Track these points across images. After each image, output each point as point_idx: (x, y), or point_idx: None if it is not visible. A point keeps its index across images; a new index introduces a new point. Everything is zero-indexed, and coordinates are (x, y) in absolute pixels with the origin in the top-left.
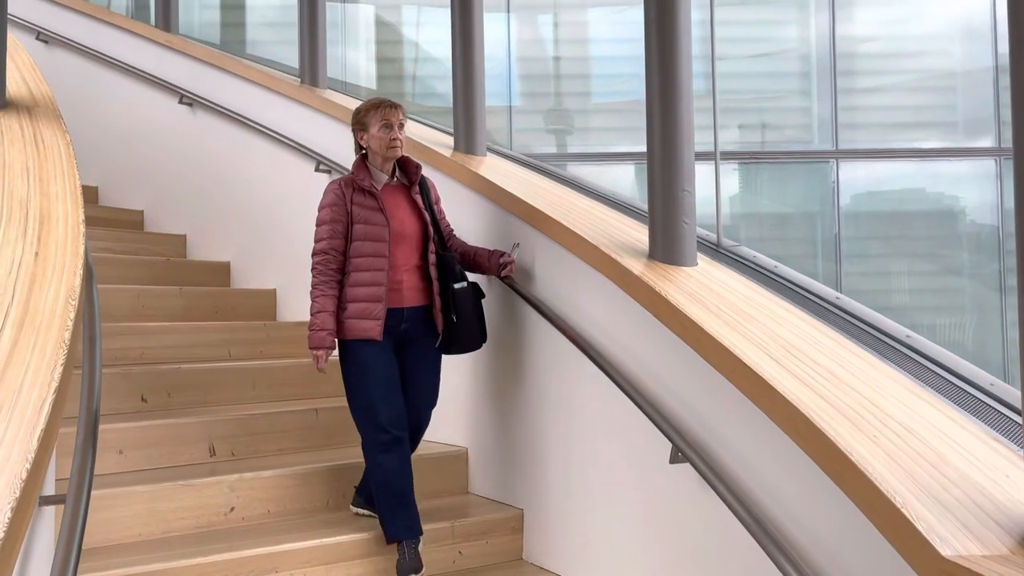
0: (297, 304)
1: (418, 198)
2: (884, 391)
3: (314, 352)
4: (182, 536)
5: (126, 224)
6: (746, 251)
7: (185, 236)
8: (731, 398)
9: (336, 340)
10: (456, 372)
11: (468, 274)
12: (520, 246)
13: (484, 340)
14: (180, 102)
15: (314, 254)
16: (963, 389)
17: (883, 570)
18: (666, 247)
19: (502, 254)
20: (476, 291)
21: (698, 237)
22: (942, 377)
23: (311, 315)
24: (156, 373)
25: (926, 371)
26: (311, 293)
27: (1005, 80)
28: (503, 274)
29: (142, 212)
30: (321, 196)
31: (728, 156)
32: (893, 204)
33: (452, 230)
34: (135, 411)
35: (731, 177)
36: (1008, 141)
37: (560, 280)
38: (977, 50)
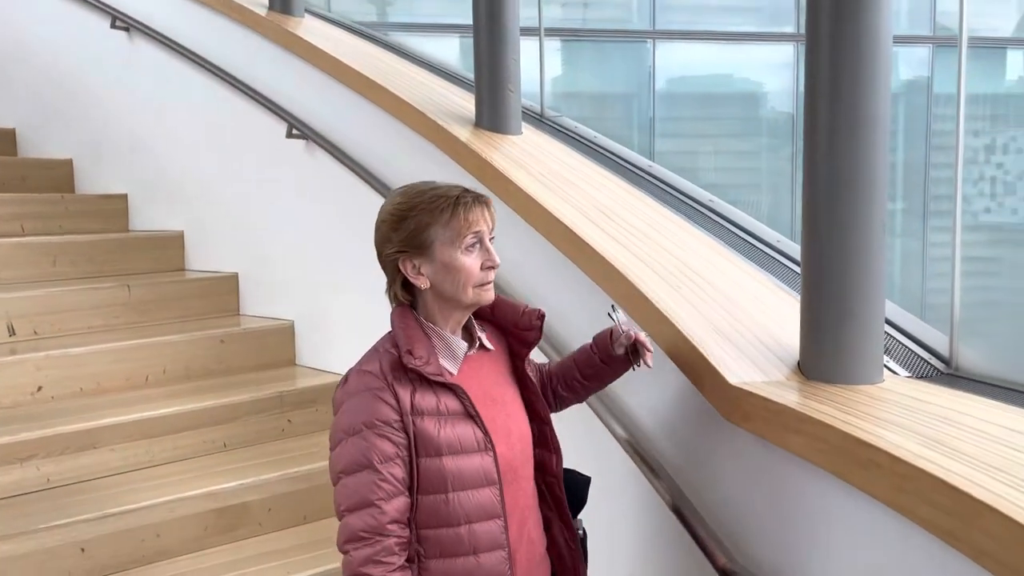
0: (98, 176)
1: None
2: (689, 249)
3: None
4: None
5: None
6: (568, 121)
7: None
8: (554, 259)
9: None
10: (281, 245)
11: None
12: (619, 310)
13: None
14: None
15: (349, 540)
16: (755, 246)
17: (686, 404)
18: (492, 115)
19: (608, 334)
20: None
21: (523, 107)
22: (738, 236)
23: None
24: None
25: (726, 231)
26: None
27: None
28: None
29: None
30: (343, 408)
31: (551, 32)
32: (704, 87)
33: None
34: None
35: (554, 57)
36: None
37: (385, 147)
38: None
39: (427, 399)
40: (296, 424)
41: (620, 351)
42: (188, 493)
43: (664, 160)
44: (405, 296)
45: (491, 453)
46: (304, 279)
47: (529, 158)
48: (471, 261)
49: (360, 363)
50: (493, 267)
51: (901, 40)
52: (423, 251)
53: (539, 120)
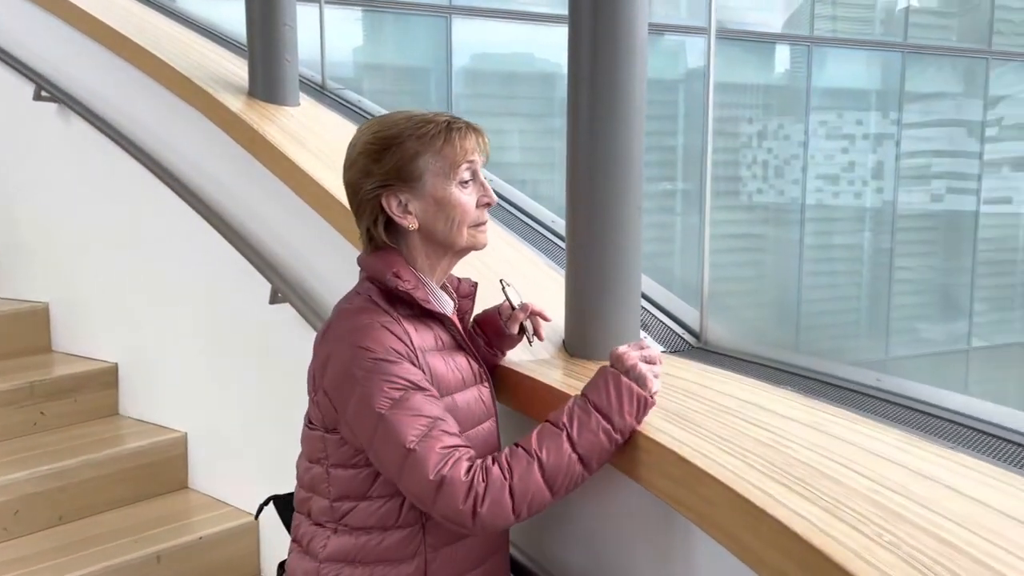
0: None
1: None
2: None
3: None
4: None
5: None
6: (351, 95)
7: None
8: (332, 239)
9: None
10: (30, 217)
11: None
12: (511, 285)
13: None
14: None
15: (436, 464)
16: (531, 226)
17: None
18: (267, 85)
19: (496, 313)
20: None
21: (302, 78)
22: (516, 216)
23: (567, 465)
24: None
25: (503, 211)
26: (513, 493)
27: None
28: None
29: None
30: (351, 344)
31: (340, 1)
32: (506, 65)
33: None
34: None
35: (355, 27)
36: None
37: (150, 116)
38: None
39: (424, 335)
40: (49, 417)
41: (515, 329)
42: None
43: None
44: (390, 239)
45: (487, 384)
46: (56, 256)
47: (307, 132)
48: (467, 197)
49: (347, 300)
50: (490, 204)
51: (681, 30)
52: (411, 184)
53: (320, 92)
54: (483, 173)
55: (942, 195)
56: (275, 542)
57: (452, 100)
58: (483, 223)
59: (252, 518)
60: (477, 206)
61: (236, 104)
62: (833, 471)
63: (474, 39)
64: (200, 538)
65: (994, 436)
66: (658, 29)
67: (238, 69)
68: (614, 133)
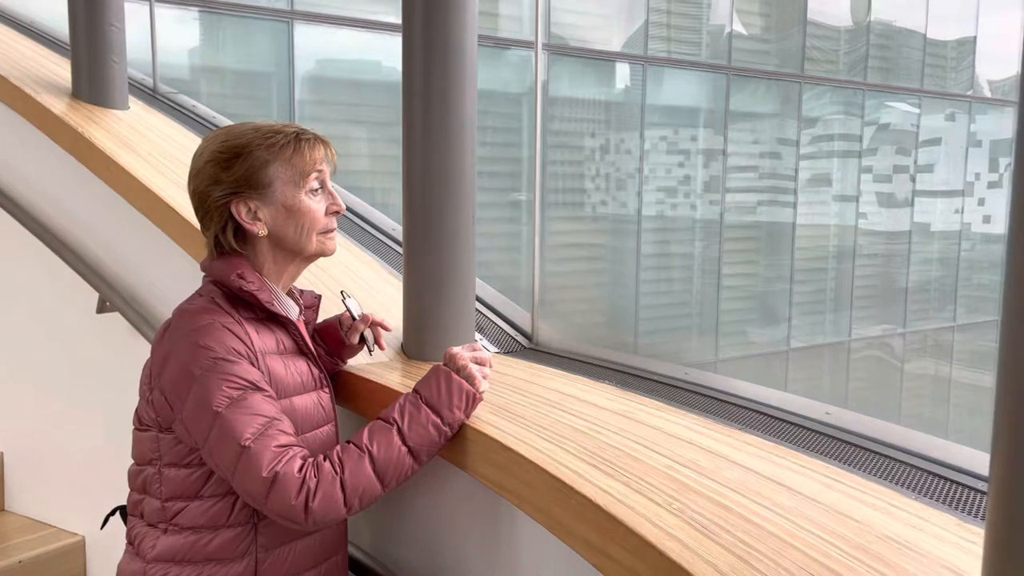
0: None
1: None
2: None
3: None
4: None
5: None
6: (185, 99)
7: None
8: (162, 246)
9: None
10: None
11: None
12: (351, 296)
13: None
14: None
15: (270, 462)
16: (372, 233)
17: None
18: (93, 87)
19: (337, 323)
20: None
21: (133, 80)
22: (358, 225)
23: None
24: None
25: (348, 221)
26: (344, 487)
27: None
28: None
29: None
30: (192, 343)
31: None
32: (354, 72)
33: None
34: None
35: (191, 28)
36: None
37: None
38: None
39: (266, 338)
40: None
41: (356, 339)
42: None
43: None
44: (238, 246)
45: (327, 390)
46: None
47: (137, 136)
48: (316, 204)
49: (188, 301)
50: (338, 212)
51: (519, 44)
52: (261, 192)
53: (152, 95)
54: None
55: (764, 207)
56: (109, 558)
57: (295, 106)
58: (332, 230)
59: (77, 538)
60: (326, 214)
61: (59, 106)
62: (637, 452)
63: (320, 45)
64: (20, 562)
65: (775, 418)
66: (503, 44)
67: (60, 69)
68: (447, 144)
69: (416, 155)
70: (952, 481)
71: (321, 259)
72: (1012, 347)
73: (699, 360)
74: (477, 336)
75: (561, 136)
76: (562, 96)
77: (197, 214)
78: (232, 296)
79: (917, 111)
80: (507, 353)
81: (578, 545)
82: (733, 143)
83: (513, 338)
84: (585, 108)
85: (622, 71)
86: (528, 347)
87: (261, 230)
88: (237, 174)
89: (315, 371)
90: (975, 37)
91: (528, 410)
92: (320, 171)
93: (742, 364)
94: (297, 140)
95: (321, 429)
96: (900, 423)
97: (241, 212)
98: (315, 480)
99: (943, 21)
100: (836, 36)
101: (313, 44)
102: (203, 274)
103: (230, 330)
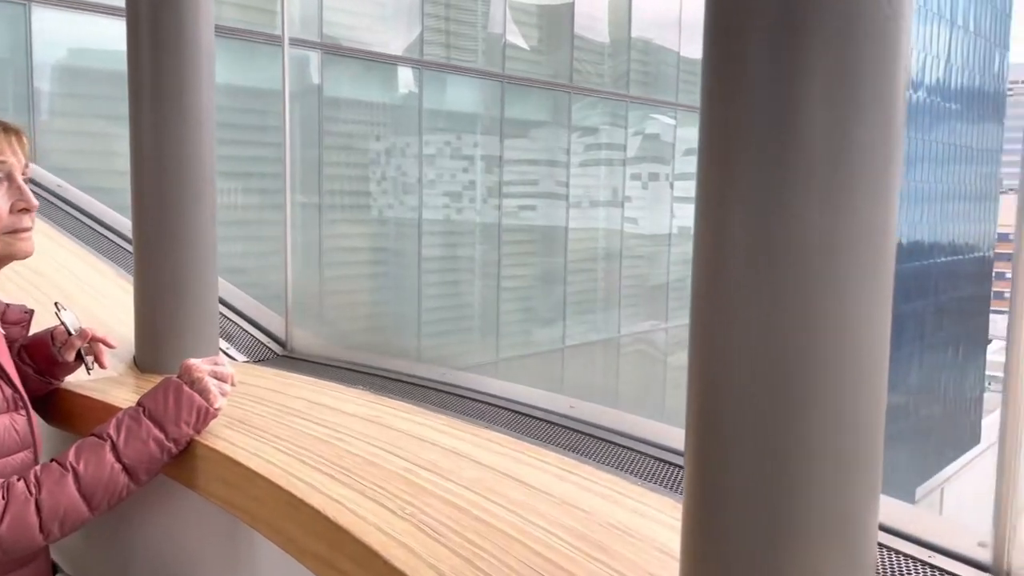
0: None
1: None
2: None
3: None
4: None
5: None
6: None
7: None
8: None
9: None
10: None
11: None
12: (67, 309)
13: None
14: None
15: None
16: (107, 237)
17: None
18: None
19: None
20: None
21: None
22: (93, 228)
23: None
24: None
25: (75, 221)
26: (40, 510)
27: None
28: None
29: None
30: None
31: None
32: (118, 63)
33: None
34: None
35: None
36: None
37: None
38: None
39: None
40: None
41: (71, 356)
42: None
43: (45, 140)
44: None
45: (24, 412)
46: None
47: None
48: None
49: None
50: (28, 209)
51: (293, 43)
52: None
53: None
54: (20, 178)
55: (539, 211)
56: None
57: (35, 98)
58: (23, 229)
59: None
60: (12, 211)
61: None
62: (378, 457)
63: (73, 32)
64: None
65: (522, 414)
66: (267, 40)
67: None
68: (181, 139)
69: (147, 151)
70: (672, 464)
71: (39, 265)
72: (699, 335)
73: (480, 361)
74: (223, 344)
75: (345, 138)
76: (344, 98)
77: None
78: None
79: (674, 123)
80: (257, 361)
81: (309, 560)
82: (510, 149)
83: (265, 345)
84: (369, 111)
85: (404, 75)
86: (282, 354)
87: None
88: None
89: (7, 391)
90: None
91: (268, 421)
92: (3, 163)
93: (521, 364)
94: None
95: (15, 456)
96: (664, 415)
97: None
98: (3, 502)
99: (695, 40)
100: (601, 51)
101: (65, 31)
102: None
103: None
